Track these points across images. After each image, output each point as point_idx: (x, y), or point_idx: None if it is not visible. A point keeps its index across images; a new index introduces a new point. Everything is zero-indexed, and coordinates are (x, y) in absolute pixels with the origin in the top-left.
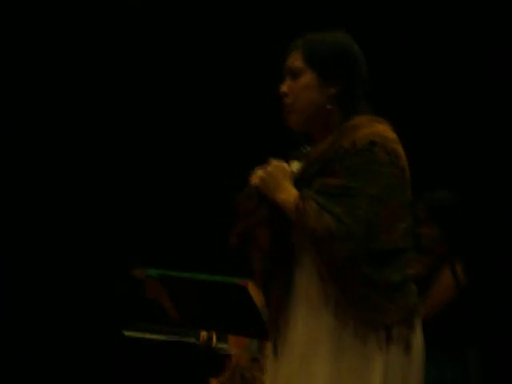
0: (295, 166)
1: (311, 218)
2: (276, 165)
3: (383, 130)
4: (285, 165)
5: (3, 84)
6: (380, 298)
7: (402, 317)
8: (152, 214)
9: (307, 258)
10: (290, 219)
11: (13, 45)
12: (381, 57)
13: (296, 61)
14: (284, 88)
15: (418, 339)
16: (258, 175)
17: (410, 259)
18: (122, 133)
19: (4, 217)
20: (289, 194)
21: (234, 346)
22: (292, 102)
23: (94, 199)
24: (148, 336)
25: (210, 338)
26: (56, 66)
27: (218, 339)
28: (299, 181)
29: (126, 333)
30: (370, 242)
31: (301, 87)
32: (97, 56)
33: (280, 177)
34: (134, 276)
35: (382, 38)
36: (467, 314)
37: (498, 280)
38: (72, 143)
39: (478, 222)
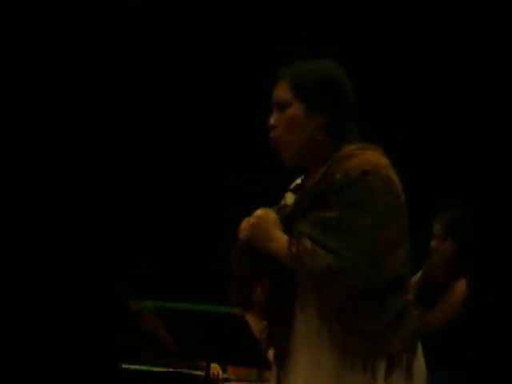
0: (290, 198)
1: (307, 259)
2: (260, 215)
3: (374, 157)
4: (269, 212)
5: (3, 84)
6: (384, 329)
7: (405, 345)
8: (147, 245)
9: (307, 298)
10: (286, 265)
11: (13, 45)
12: (381, 57)
13: (283, 92)
14: (272, 120)
15: (419, 364)
16: (245, 228)
17: (409, 284)
18: (123, 137)
19: (4, 217)
20: (279, 241)
21: (234, 376)
22: (280, 135)
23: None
24: (146, 368)
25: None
26: (56, 66)
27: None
28: (294, 214)
29: (124, 365)
30: (372, 273)
31: (289, 119)
32: (97, 56)
33: (267, 226)
34: (131, 308)
35: (381, 38)
36: (468, 332)
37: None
38: (72, 143)
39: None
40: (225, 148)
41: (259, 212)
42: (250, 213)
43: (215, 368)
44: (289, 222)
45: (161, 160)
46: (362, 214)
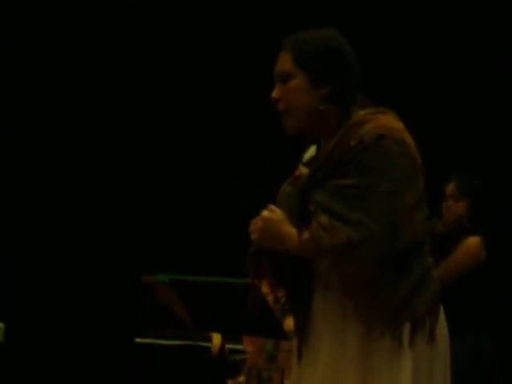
0: (304, 169)
1: (325, 239)
2: (266, 217)
3: (388, 120)
4: (275, 211)
5: (3, 84)
6: (408, 295)
7: (427, 308)
8: (158, 220)
9: (328, 276)
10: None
11: (13, 45)
12: (381, 56)
13: (285, 64)
14: (275, 94)
15: (441, 327)
16: (254, 231)
17: (427, 247)
18: (124, 136)
19: (4, 217)
20: (292, 238)
21: (249, 346)
22: (285, 107)
23: (99, 201)
24: (160, 342)
25: (222, 348)
26: (56, 66)
27: (233, 341)
28: (310, 184)
29: (138, 339)
30: (393, 240)
31: (292, 91)
32: (97, 56)
33: (276, 227)
34: (144, 282)
35: (382, 38)
36: (482, 293)
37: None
38: (72, 143)
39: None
40: (225, 148)
41: (265, 213)
42: (250, 211)
43: (217, 339)
44: (305, 192)
45: (163, 157)
46: (379, 179)
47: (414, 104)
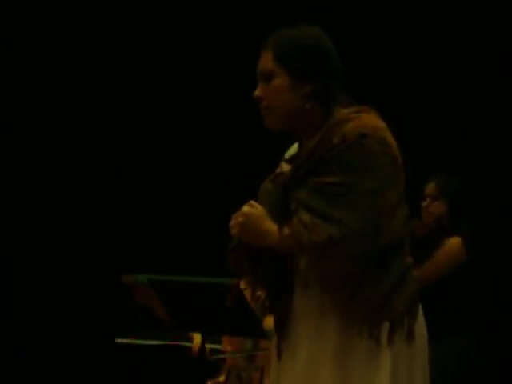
0: (286, 167)
1: (305, 236)
2: (247, 212)
3: (371, 120)
4: (256, 206)
5: (3, 84)
6: (388, 293)
7: (406, 307)
8: (138, 220)
9: (308, 274)
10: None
11: (13, 45)
12: (379, 56)
13: (267, 62)
14: (258, 92)
15: (420, 326)
16: (235, 226)
17: (407, 245)
18: (121, 135)
19: (4, 217)
20: (272, 233)
21: (229, 346)
22: (267, 106)
23: (88, 202)
24: (141, 342)
25: (202, 348)
26: (56, 66)
27: (212, 341)
28: (292, 181)
29: (119, 340)
30: (375, 239)
31: (274, 90)
32: (97, 56)
33: (257, 223)
34: (124, 282)
35: (380, 38)
36: (464, 293)
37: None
38: (72, 143)
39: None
40: (225, 148)
41: (246, 209)
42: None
43: (197, 338)
44: (287, 189)
45: (161, 158)
46: (361, 178)
47: (413, 104)
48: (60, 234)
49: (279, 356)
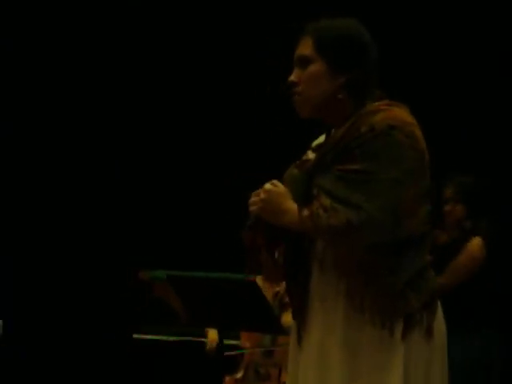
0: (312, 155)
1: (323, 219)
2: (269, 189)
3: (401, 113)
4: (278, 185)
5: (3, 84)
6: (403, 287)
7: (423, 303)
8: (154, 217)
9: (325, 259)
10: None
11: (13, 45)
12: (381, 55)
13: (306, 49)
14: (293, 77)
15: (439, 323)
16: (255, 204)
17: (429, 244)
18: (122, 134)
19: (4, 217)
20: (292, 212)
21: (247, 342)
22: (301, 91)
23: (98, 200)
24: (158, 337)
25: (219, 344)
26: (56, 66)
27: (230, 337)
28: (316, 168)
29: (136, 335)
30: (394, 229)
31: (310, 76)
32: (97, 56)
33: (278, 200)
34: (141, 278)
35: (381, 38)
36: (486, 292)
37: None
38: (72, 143)
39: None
40: (225, 148)
41: (268, 186)
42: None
43: (213, 334)
44: (311, 176)
45: (177, 155)
46: (386, 167)
47: (413, 104)
48: (75, 231)
49: (299, 342)
